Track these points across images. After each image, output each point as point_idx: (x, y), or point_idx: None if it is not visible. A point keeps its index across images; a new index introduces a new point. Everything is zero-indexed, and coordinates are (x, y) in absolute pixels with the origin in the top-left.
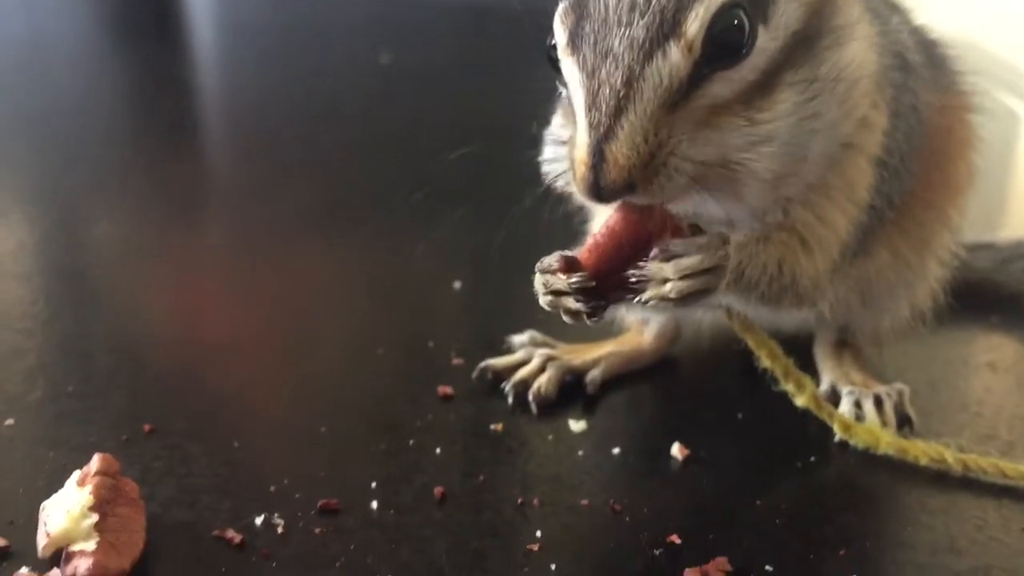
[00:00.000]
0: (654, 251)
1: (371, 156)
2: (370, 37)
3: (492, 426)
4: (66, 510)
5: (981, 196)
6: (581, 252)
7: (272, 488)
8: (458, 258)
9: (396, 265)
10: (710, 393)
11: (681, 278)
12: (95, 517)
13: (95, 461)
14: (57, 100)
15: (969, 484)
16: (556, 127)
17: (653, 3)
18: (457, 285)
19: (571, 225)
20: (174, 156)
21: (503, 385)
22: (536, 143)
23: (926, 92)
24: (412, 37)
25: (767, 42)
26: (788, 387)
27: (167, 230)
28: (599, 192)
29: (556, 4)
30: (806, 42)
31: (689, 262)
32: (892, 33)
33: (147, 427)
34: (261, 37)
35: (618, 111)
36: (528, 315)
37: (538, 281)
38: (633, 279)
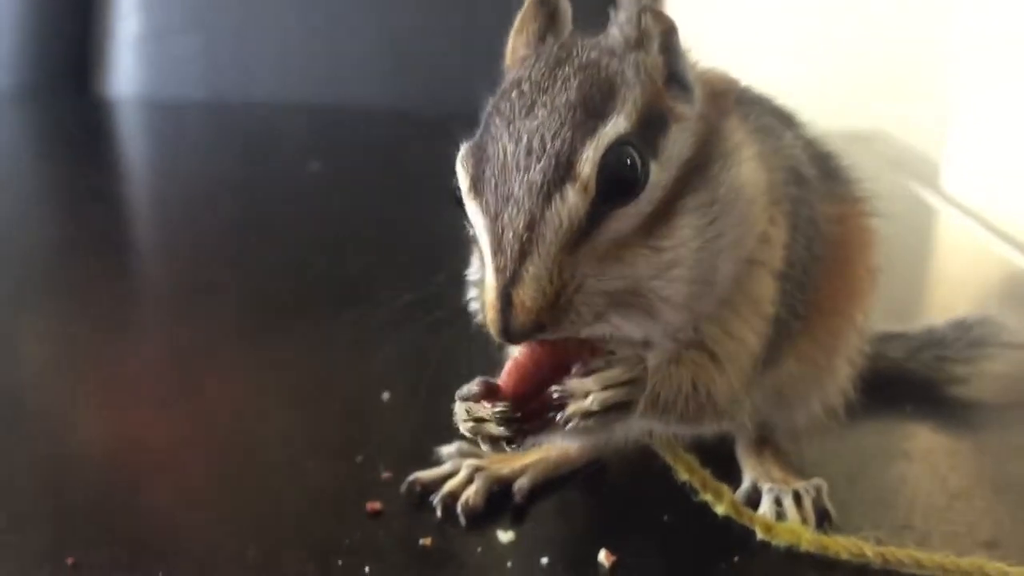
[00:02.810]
0: (575, 368)
1: (300, 266)
2: (299, 145)
3: (421, 541)
4: None
5: (898, 286)
6: (501, 376)
7: None
8: (386, 368)
9: (326, 376)
10: (636, 496)
11: (602, 389)
12: None
13: None
14: None
15: None
16: (473, 268)
17: (548, 147)
18: (386, 396)
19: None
20: (100, 271)
21: (432, 498)
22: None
23: (822, 203)
24: (341, 144)
25: (660, 174)
26: (707, 497)
27: (92, 348)
28: (509, 335)
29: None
30: (698, 168)
31: (610, 373)
32: (785, 149)
33: (70, 560)
34: (189, 148)
35: (522, 255)
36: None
37: (459, 408)
38: (555, 395)
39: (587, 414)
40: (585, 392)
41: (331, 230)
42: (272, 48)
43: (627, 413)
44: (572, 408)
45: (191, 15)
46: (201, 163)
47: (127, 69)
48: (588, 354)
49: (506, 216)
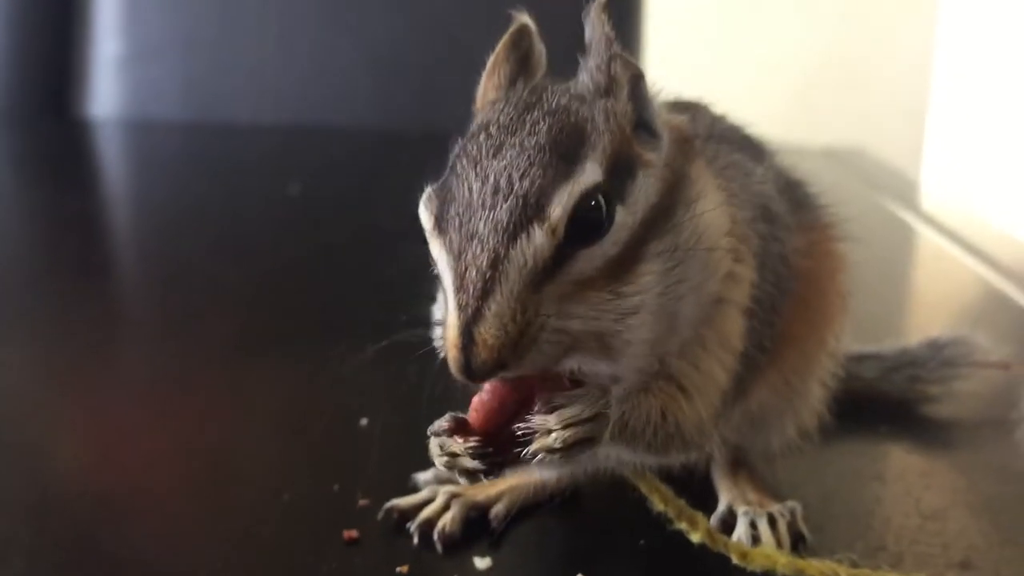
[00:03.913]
0: (538, 405)
1: (279, 291)
2: (278, 168)
3: (398, 568)
4: None
5: (874, 305)
6: (469, 412)
7: None
8: (365, 394)
9: (304, 402)
10: (612, 521)
11: (564, 427)
12: None
13: None
14: None
15: None
16: (437, 306)
17: (515, 187)
18: (364, 422)
19: None
20: (78, 295)
21: (409, 525)
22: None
23: (792, 237)
24: (321, 166)
25: (626, 218)
26: (682, 526)
27: (69, 374)
28: (471, 373)
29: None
30: (664, 213)
31: (571, 411)
32: (755, 186)
33: None
34: (169, 171)
35: (485, 293)
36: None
37: (433, 444)
38: (519, 432)
39: (551, 450)
40: (548, 430)
41: (310, 254)
42: (251, 70)
43: (591, 447)
44: (536, 445)
45: (170, 37)
46: (180, 185)
47: (106, 91)
48: (550, 389)
49: (470, 254)
